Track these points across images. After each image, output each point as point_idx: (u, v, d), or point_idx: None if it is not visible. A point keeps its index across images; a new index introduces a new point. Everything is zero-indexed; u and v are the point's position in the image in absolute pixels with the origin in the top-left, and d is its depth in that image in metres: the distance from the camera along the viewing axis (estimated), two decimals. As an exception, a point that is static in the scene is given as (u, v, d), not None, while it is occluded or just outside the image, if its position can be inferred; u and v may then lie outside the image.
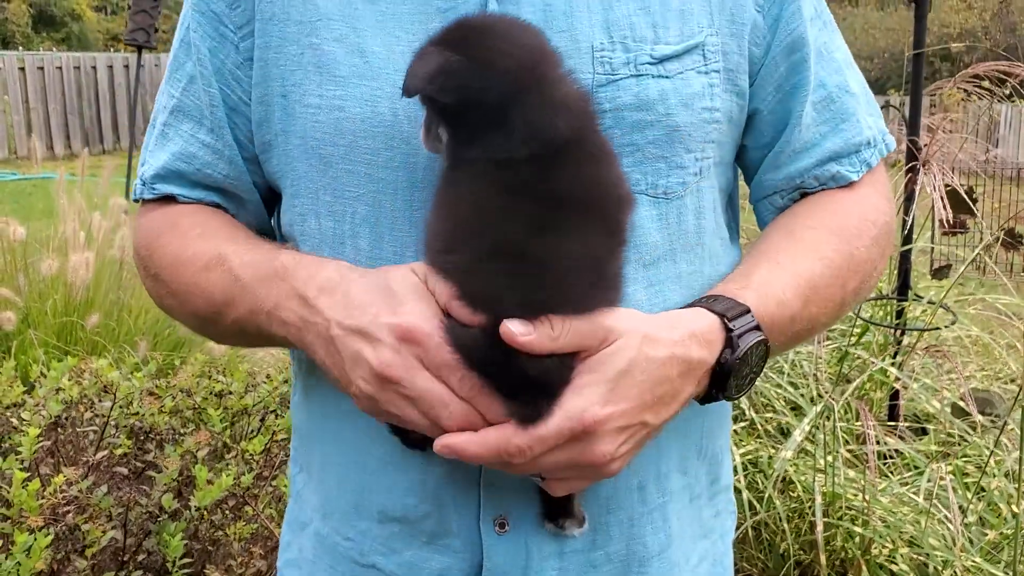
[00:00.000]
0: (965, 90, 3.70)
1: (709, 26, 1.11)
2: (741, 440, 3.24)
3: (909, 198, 3.42)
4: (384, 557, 1.14)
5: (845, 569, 2.89)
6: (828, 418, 2.98)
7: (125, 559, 2.32)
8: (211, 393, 3.03)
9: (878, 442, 3.09)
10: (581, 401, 0.94)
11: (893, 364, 3.49)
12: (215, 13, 1.17)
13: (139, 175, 1.24)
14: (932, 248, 4.31)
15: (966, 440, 3.28)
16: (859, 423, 3.13)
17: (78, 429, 2.69)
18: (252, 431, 2.98)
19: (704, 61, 1.10)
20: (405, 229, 1.07)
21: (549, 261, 0.92)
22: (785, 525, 2.92)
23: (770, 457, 3.14)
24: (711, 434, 1.24)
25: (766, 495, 2.96)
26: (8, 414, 2.71)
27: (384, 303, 0.98)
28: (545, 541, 1.10)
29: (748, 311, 1.05)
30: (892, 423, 3.50)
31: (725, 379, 1.03)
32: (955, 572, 2.58)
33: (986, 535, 2.76)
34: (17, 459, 2.36)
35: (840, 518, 2.91)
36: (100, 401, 2.81)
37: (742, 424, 3.36)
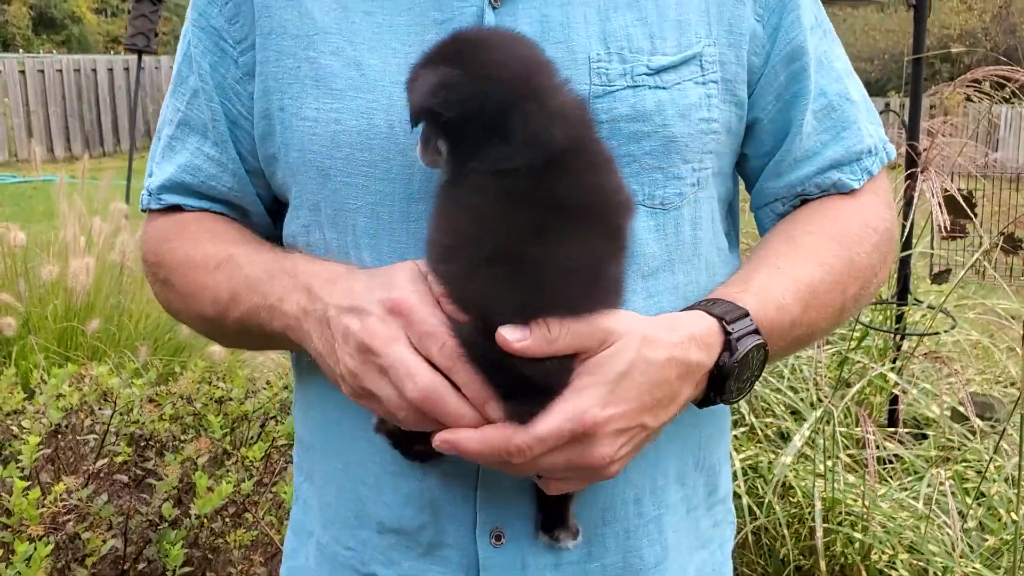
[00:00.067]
0: (967, 96, 3.71)
1: (707, 36, 1.11)
2: (741, 445, 3.24)
3: (908, 203, 3.43)
4: (384, 567, 1.15)
5: (845, 574, 2.89)
6: (828, 423, 2.99)
7: (125, 568, 2.32)
8: (211, 399, 3.03)
9: (878, 447, 3.09)
10: (582, 402, 0.94)
11: (892, 369, 3.49)
12: (215, 28, 1.18)
13: (145, 186, 1.26)
14: (931, 253, 4.31)
15: (966, 445, 3.29)
16: (859, 428, 3.13)
17: (78, 437, 2.69)
18: (252, 437, 2.98)
19: (702, 71, 1.10)
20: (404, 240, 1.08)
21: (547, 265, 0.93)
22: (785, 530, 2.93)
23: (770, 462, 3.15)
24: (709, 445, 1.24)
25: (766, 500, 2.96)
26: (8, 421, 2.71)
27: (380, 286, 0.99)
28: (541, 553, 1.10)
29: (747, 314, 1.05)
30: (892, 428, 3.50)
31: (723, 382, 1.03)
32: (955, 578, 2.59)
33: (986, 540, 2.76)
34: (17, 467, 2.37)
35: (840, 523, 2.91)
36: (100, 409, 2.81)
37: (742, 429, 3.36)
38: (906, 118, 3.67)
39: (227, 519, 2.53)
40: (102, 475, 2.50)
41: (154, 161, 1.26)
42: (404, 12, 1.09)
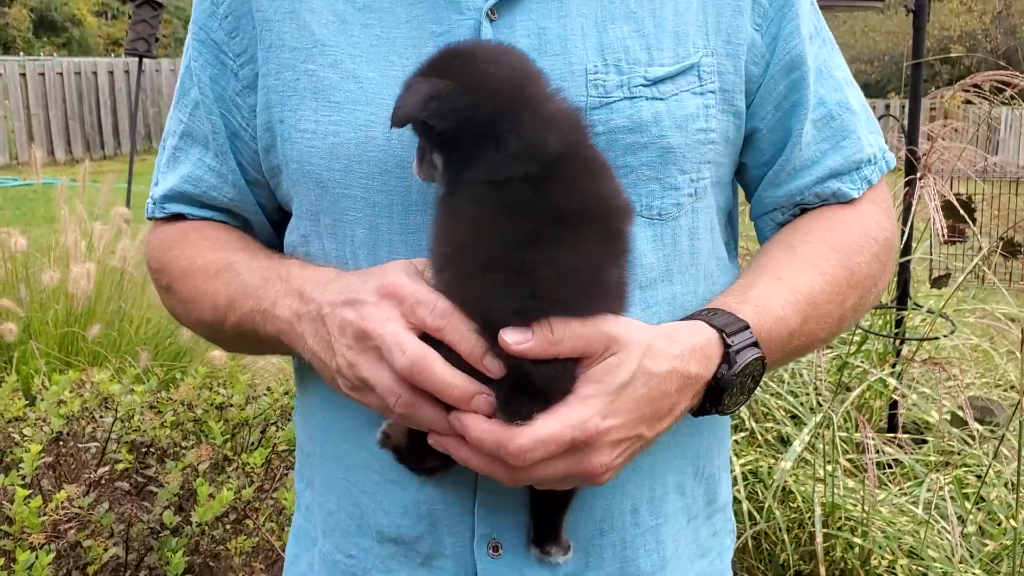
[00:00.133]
0: (967, 100, 3.71)
1: (704, 47, 1.11)
2: (741, 450, 3.24)
3: (907, 209, 3.43)
4: (384, 576, 1.15)
5: (845, 580, 2.89)
6: (827, 428, 2.99)
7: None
8: (212, 405, 3.03)
9: (877, 452, 3.10)
10: (585, 411, 0.95)
11: (892, 374, 3.49)
12: (215, 42, 1.19)
13: (151, 194, 1.29)
14: (931, 259, 4.31)
15: (965, 450, 3.29)
16: (859, 433, 3.13)
17: (79, 444, 2.69)
18: (253, 443, 2.98)
19: (699, 82, 1.11)
20: (402, 251, 1.08)
21: (547, 269, 0.93)
22: (785, 535, 2.93)
23: (770, 467, 3.15)
24: (708, 454, 1.24)
25: (766, 505, 2.96)
26: (10, 428, 2.71)
27: (374, 278, 1.00)
28: (538, 564, 1.11)
29: (747, 327, 1.05)
30: (891, 433, 3.51)
31: (720, 394, 1.04)
32: (954, 583, 2.59)
33: (986, 546, 2.76)
34: (19, 475, 2.37)
35: (840, 528, 2.92)
36: (101, 416, 2.81)
37: (742, 434, 3.36)
38: (905, 123, 3.67)
39: (228, 526, 2.53)
40: (103, 482, 2.51)
41: (159, 171, 1.28)
42: (402, 25, 1.09)
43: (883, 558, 2.78)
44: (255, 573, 2.43)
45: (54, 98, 16.84)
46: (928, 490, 2.89)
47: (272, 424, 3.06)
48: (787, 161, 1.20)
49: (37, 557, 2.09)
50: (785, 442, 3.34)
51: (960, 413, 3.15)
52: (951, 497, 2.69)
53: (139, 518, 2.34)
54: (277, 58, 1.14)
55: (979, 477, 3.06)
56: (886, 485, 3.17)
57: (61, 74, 16.99)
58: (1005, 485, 2.98)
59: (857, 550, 2.86)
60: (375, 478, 1.13)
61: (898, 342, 3.70)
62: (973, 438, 3.24)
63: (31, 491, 2.30)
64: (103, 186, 5.67)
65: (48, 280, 4.39)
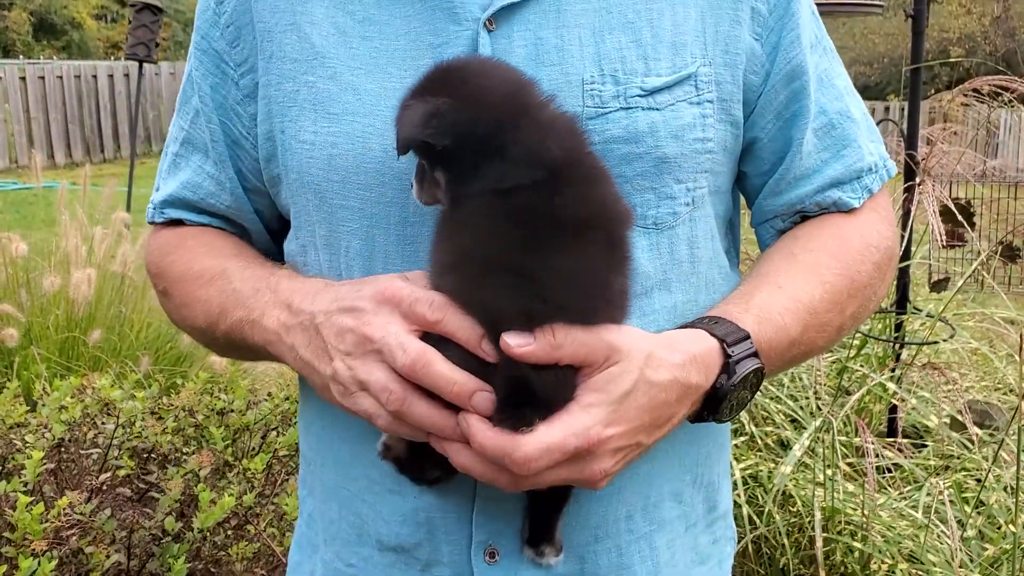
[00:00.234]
0: (966, 103, 3.71)
1: (702, 56, 1.12)
2: (741, 454, 3.25)
3: (907, 213, 3.43)
4: (385, 584, 1.16)
5: (845, 584, 2.90)
6: (827, 432, 2.99)
7: (128, 581, 2.33)
8: (212, 411, 3.04)
9: (877, 456, 3.10)
10: (588, 419, 0.95)
11: (892, 378, 3.49)
12: (216, 52, 1.21)
13: (152, 199, 1.31)
14: (930, 264, 4.32)
15: (965, 454, 3.29)
16: (858, 437, 3.13)
17: (81, 450, 2.70)
18: (254, 449, 2.99)
19: (696, 92, 1.11)
20: (398, 263, 1.09)
21: (554, 273, 0.94)
22: (785, 540, 2.93)
23: (770, 472, 3.15)
24: (708, 461, 1.24)
25: (766, 510, 2.96)
26: (11, 435, 2.71)
27: (368, 286, 1.01)
28: (533, 570, 1.11)
29: (748, 337, 1.05)
30: (891, 437, 3.51)
31: (718, 403, 1.04)
32: (954, 588, 2.59)
33: (985, 550, 2.77)
34: (21, 482, 2.37)
35: (840, 533, 2.92)
36: (103, 423, 2.82)
37: (742, 438, 3.36)
38: (904, 127, 3.68)
39: (229, 532, 2.54)
40: (105, 489, 2.51)
41: (160, 176, 1.31)
42: (400, 37, 1.10)
43: (883, 562, 2.78)
44: (256, 579, 2.43)
45: (54, 101, 16.83)
46: (928, 494, 2.90)
47: (273, 429, 3.06)
48: (788, 170, 1.20)
49: (40, 564, 2.09)
50: (785, 446, 3.34)
51: (960, 417, 3.16)
52: (951, 501, 2.69)
53: (141, 524, 2.34)
54: (278, 69, 1.15)
55: (979, 481, 3.07)
56: (886, 489, 3.17)
57: (61, 77, 16.98)
58: (1005, 489, 2.98)
59: (857, 554, 2.86)
60: (375, 487, 1.14)
61: (898, 346, 3.70)
62: (973, 442, 3.25)
63: (33, 498, 2.31)
64: (104, 190, 5.66)
65: (49, 285, 4.39)
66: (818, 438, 3.04)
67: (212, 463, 2.62)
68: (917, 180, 3.40)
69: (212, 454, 2.66)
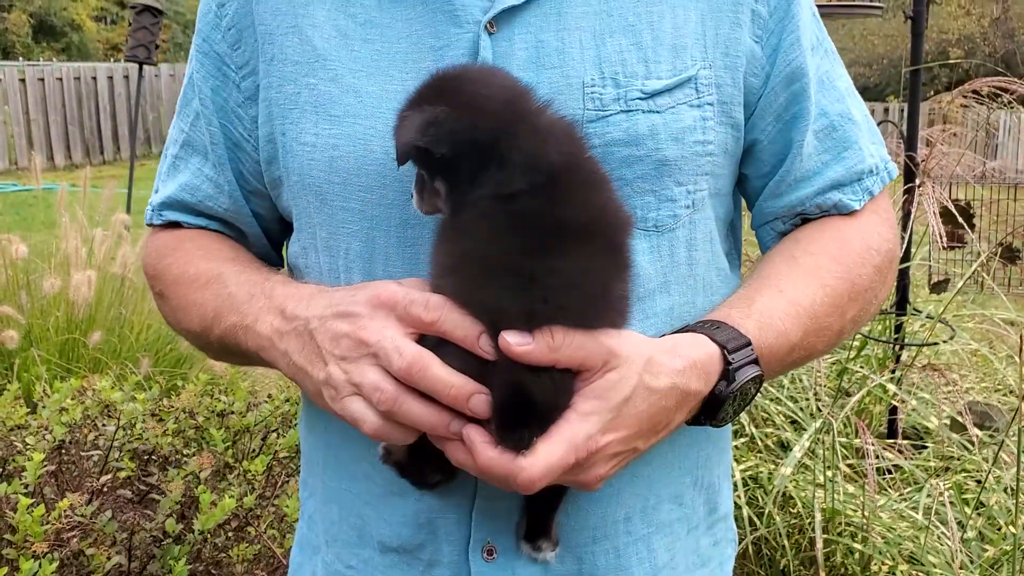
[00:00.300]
0: (965, 104, 3.72)
1: (702, 59, 1.12)
2: (741, 456, 3.25)
3: (907, 215, 3.44)
4: (384, 586, 1.16)
5: (845, 585, 2.90)
6: (827, 433, 2.99)
7: (129, 583, 2.33)
8: (213, 412, 3.04)
9: (877, 457, 3.10)
10: (587, 427, 0.95)
11: (892, 379, 3.50)
12: (218, 54, 1.21)
13: (150, 201, 1.31)
14: (929, 266, 4.32)
15: (965, 455, 3.29)
16: (858, 438, 3.14)
17: (82, 452, 2.70)
18: (254, 450, 2.99)
19: (696, 94, 1.11)
20: (398, 265, 1.09)
21: (557, 277, 0.94)
22: (785, 541, 2.93)
23: (770, 473, 3.15)
24: (708, 464, 1.24)
25: (766, 511, 2.96)
26: (12, 437, 2.72)
27: (363, 291, 1.01)
28: (531, 567, 1.12)
29: (749, 343, 1.05)
30: (891, 439, 3.51)
31: (716, 409, 1.04)
32: (955, 589, 2.59)
33: (986, 551, 2.77)
34: (22, 484, 2.38)
35: (840, 534, 2.92)
36: (103, 424, 2.82)
37: (742, 439, 3.37)
38: (904, 128, 3.68)
39: (230, 533, 2.54)
40: (105, 491, 2.51)
41: (160, 179, 1.31)
42: (402, 40, 1.10)
43: (883, 564, 2.78)
44: (257, 580, 2.43)
45: (53, 103, 16.83)
46: (928, 495, 2.90)
47: (273, 431, 3.07)
48: (788, 172, 1.20)
49: (40, 566, 2.09)
50: (785, 447, 3.34)
51: (960, 418, 3.16)
52: (951, 502, 2.69)
53: (142, 526, 2.34)
54: (279, 71, 1.15)
55: (979, 482, 3.07)
56: (886, 490, 3.17)
57: (60, 79, 16.98)
58: (1005, 490, 2.99)
59: (857, 556, 2.87)
60: (377, 489, 1.14)
61: (898, 347, 3.71)
62: (973, 443, 3.25)
63: (34, 500, 2.31)
64: (104, 192, 5.67)
65: (49, 287, 4.40)
66: (818, 439, 3.05)
67: (212, 465, 2.62)
68: (917, 181, 3.40)
69: (212, 456, 2.66)
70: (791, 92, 1.18)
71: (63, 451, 2.67)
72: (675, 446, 1.16)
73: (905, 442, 3.50)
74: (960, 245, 3.65)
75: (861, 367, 3.71)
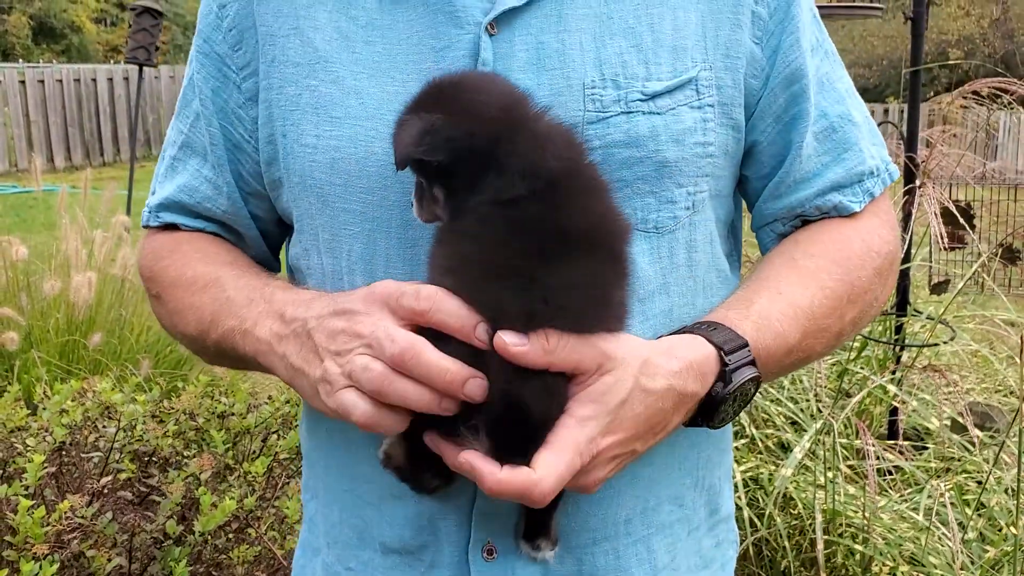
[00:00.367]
0: (965, 105, 3.72)
1: (703, 61, 1.12)
2: (742, 457, 3.25)
3: (907, 216, 3.44)
4: (386, 587, 1.16)
5: (846, 586, 2.90)
6: (828, 434, 2.99)
7: (130, 584, 2.33)
8: (213, 414, 3.04)
9: (878, 458, 3.10)
10: (587, 433, 0.95)
11: (892, 380, 3.50)
12: (219, 55, 1.21)
13: (147, 203, 1.31)
14: (930, 267, 4.32)
15: (966, 456, 3.29)
16: (859, 439, 3.14)
17: (82, 454, 2.70)
18: (254, 452, 2.99)
19: (697, 96, 1.11)
20: (399, 266, 1.09)
21: (557, 280, 0.94)
22: (786, 542, 2.93)
23: (770, 474, 3.15)
24: (708, 465, 1.24)
25: (767, 512, 2.96)
26: (12, 438, 2.72)
27: (360, 291, 1.01)
28: (530, 566, 1.12)
29: (746, 344, 1.05)
30: (892, 440, 3.51)
31: (713, 410, 1.04)
32: (955, 590, 2.59)
33: (986, 552, 2.77)
34: (22, 485, 2.38)
35: (840, 535, 2.92)
36: (104, 426, 2.82)
37: (742, 441, 3.37)
38: (904, 129, 3.68)
39: (230, 535, 2.54)
40: (106, 492, 2.51)
41: (157, 180, 1.30)
42: (403, 41, 1.10)
43: (884, 564, 2.78)
44: (258, 582, 2.43)
45: (53, 105, 16.84)
46: (929, 496, 2.90)
47: (273, 433, 3.07)
48: (787, 173, 1.20)
49: (41, 568, 2.09)
50: (786, 448, 3.34)
51: (960, 419, 3.16)
52: (952, 503, 2.69)
53: (142, 528, 2.34)
54: (280, 73, 1.15)
55: (980, 483, 3.07)
56: (887, 491, 3.17)
57: (61, 81, 16.99)
58: (1006, 491, 2.99)
59: (858, 557, 2.87)
60: (378, 491, 1.14)
61: (898, 348, 3.71)
62: (973, 444, 3.25)
63: (34, 501, 2.31)
64: (104, 194, 5.67)
65: (49, 289, 4.40)
66: (819, 440, 3.05)
67: (213, 466, 2.62)
68: (917, 182, 3.40)
69: (213, 457, 2.66)
70: (791, 93, 1.18)
71: (63, 453, 2.67)
72: (675, 447, 1.16)
73: (906, 443, 3.50)
74: (960, 246, 3.65)
75: (862, 368, 3.71)
